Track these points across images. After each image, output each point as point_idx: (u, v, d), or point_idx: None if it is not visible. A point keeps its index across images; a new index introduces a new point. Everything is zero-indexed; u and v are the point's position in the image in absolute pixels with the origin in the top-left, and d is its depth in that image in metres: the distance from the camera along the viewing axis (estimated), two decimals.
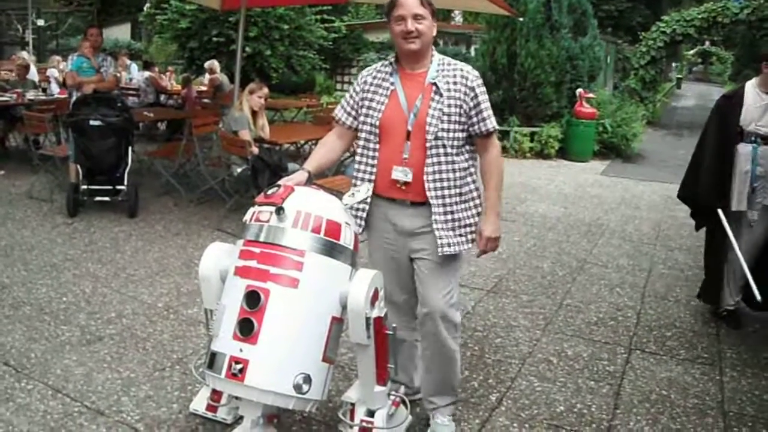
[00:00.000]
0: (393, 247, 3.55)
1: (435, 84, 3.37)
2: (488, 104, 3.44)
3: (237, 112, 7.91)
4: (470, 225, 3.47)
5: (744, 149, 5.33)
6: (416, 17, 3.30)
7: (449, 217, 3.39)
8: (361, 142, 3.51)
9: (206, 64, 15.34)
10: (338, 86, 25.42)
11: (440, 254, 3.40)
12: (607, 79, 23.43)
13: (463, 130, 3.39)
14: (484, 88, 3.45)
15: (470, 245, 3.50)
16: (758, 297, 5.01)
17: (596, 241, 8.06)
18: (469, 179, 3.45)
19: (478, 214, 3.52)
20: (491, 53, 14.57)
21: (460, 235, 3.44)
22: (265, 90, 8.14)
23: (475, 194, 3.49)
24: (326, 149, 3.66)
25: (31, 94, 11.50)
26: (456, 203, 3.39)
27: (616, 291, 6.34)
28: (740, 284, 5.49)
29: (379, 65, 3.61)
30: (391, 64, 3.53)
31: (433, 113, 3.32)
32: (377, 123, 3.41)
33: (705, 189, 5.45)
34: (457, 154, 3.38)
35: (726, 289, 5.60)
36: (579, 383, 4.51)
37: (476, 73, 3.47)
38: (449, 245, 3.39)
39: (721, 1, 20.66)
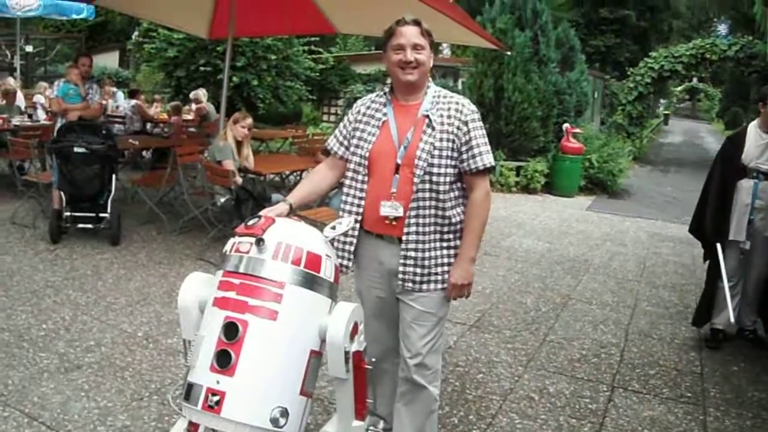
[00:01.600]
0: (379, 287, 3.50)
1: (428, 116, 3.30)
2: (483, 140, 3.32)
3: (221, 141, 7.91)
4: (441, 266, 3.36)
5: (746, 184, 5.74)
6: (416, 47, 3.26)
7: (420, 255, 3.30)
8: (350, 174, 3.44)
9: (191, 94, 15.31)
10: (325, 117, 25.47)
11: (398, 291, 3.37)
12: (594, 115, 23.55)
13: (454, 166, 3.29)
14: (479, 123, 3.34)
15: (440, 286, 3.38)
16: (732, 319, 5.68)
17: (580, 277, 8.05)
18: (455, 219, 3.34)
19: (453, 257, 3.39)
20: (478, 87, 14.58)
21: (428, 275, 3.34)
22: (249, 120, 8.14)
23: (458, 236, 3.37)
24: (314, 181, 3.61)
25: (16, 120, 11.45)
26: (433, 241, 3.31)
27: (599, 328, 6.32)
28: (756, 303, 5.99)
29: (373, 95, 3.55)
30: (385, 94, 3.48)
31: (424, 147, 3.25)
32: (366, 155, 3.35)
33: (709, 226, 5.89)
34: (446, 191, 3.28)
35: (744, 310, 6.01)
36: (560, 421, 4.48)
37: (473, 107, 3.37)
38: (413, 282, 3.34)
39: (709, 38, 20.88)
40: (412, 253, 3.30)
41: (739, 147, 5.80)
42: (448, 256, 3.37)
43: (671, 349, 5.92)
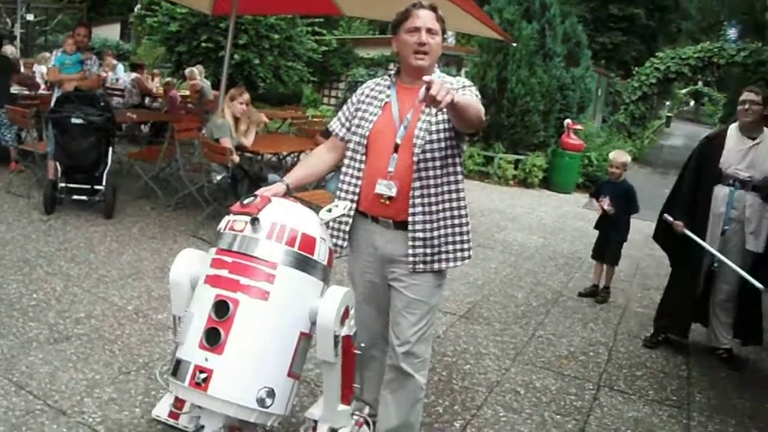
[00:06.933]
0: (372, 272, 3.48)
1: None
2: (475, 97, 3.18)
3: (219, 119, 7.88)
4: (451, 244, 3.36)
5: (721, 191, 5.41)
6: (430, 31, 3.25)
7: (428, 234, 3.29)
8: (349, 154, 3.44)
9: (186, 71, 15.23)
10: (325, 100, 25.43)
11: (411, 271, 3.34)
12: (597, 112, 23.51)
13: (452, 138, 3.27)
14: (474, 90, 3.29)
15: (446, 265, 3.38)
16: (760, 286, 4.99)
17: (573, 274, 8.06)
18: (455, 198, 3.34)
19: (461, 234, 3.39)
20: (481, 77, 14.52)
21: (438, 253, 3.34)
22: (246, 95, 8.06)
23: (462, 212, 3.38)
24: (312, 162, 3.61)
25: (14, 89, 11.35)
26: (438, 220, 3.30)
27: (589, 326, 6.32)
28: (730, 321, 5.63)
29: (379, 79, 3.56)
30: (390, 77, 3.48)
31: (422, 125, 3.24)
32: (366, 134, 3.35)
33: (677, 215, 5.62)
34: (446, 166, 3.29)
35: (717, 328, 5.71)
36: (545, 416, 4.48)
37: (474, 86, 3.34)
38: (424, 263, 3.32)
39: (718, 42, 20.69)
40: (420, 234, 3.29)
41: (717, 149, 5.45)
42: (454, 234, 3.37)
43: (659, 351, 5.90)
